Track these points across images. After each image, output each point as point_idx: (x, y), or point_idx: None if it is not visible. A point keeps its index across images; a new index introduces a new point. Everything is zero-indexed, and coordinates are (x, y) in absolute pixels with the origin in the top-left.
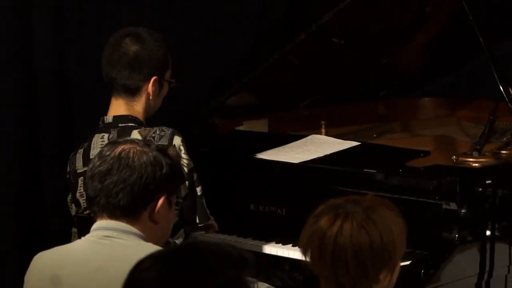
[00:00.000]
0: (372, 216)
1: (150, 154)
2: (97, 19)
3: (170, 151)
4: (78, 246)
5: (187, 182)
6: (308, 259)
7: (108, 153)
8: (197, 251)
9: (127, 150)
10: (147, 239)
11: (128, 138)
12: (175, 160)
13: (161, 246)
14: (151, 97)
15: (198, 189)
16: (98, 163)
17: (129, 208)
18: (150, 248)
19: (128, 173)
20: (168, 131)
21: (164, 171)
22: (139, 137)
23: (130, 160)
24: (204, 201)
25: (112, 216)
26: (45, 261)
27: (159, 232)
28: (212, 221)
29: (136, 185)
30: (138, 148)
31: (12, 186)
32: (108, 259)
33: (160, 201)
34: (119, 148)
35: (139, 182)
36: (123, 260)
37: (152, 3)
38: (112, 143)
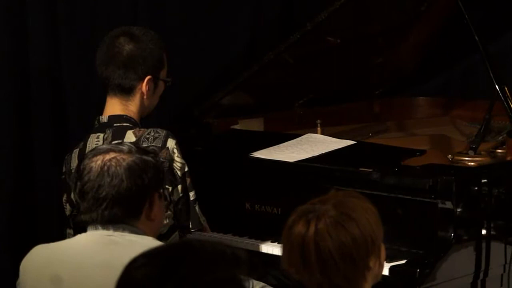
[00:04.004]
0: (343, 210)
1: (131, 159)
2: (91, 18)
3: (163, 154)
4: (77, 243)
5: (180, 186)
6: (295, 273)
7: (90, 167)
8: (191, 249)
9: (108, 163)
10: (146, 234)
11: (104, 146)
12: (156, 154)
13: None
14: (145, 97)
15: (191, 194)
16: (86, 178)
17: (126, 218)
18: (151, 242)
19: (117, 185)
20: (162, 133)
21: (150, 173)
22: (134, 138)
23: (113, 170)
24: (197, 207)
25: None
26: (45, 255)
27: (156, 227)
28: (204, 224)
29: (127, 196)
30: (118, 157)
31: (5, 186)
32: (108, 256)
33: (154, 200)
34: (99, 162)
35: (129, 193)
36: (123, 257)
37: (147, 3)
38: (90, 157)
